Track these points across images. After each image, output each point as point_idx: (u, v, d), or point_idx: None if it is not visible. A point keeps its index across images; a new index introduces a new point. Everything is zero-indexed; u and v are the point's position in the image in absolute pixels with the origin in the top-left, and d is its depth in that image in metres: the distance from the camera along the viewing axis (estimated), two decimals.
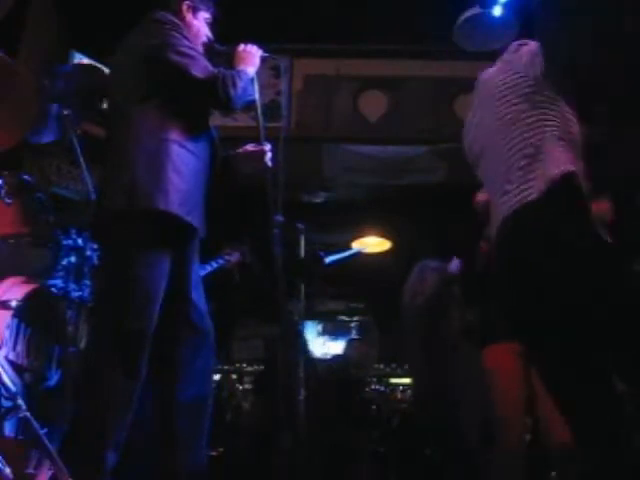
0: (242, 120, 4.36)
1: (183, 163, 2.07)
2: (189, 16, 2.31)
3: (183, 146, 2.09)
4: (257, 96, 2.34)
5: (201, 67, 2.12)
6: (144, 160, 2.03)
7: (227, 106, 2.19)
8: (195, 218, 2.09)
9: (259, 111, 2.37)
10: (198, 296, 2.21)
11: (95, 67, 2.81)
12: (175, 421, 2.13)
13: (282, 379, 2.60)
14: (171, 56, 2.09)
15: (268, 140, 2.39)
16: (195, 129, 2.17)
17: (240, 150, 2.44)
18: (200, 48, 2.29)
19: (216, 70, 2.15)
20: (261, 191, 2.31)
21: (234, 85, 2.12)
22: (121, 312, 1.97)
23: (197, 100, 2.19)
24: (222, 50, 2.36)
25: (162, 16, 2.21)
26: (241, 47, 2.31)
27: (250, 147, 2.42)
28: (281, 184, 2.30)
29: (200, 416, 2.17)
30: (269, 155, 2.37)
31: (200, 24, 2.34)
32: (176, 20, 2.22)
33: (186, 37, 2.19)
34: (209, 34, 2.37)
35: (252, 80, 2.29)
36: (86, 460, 1.86)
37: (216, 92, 2.11)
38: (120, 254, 2.03)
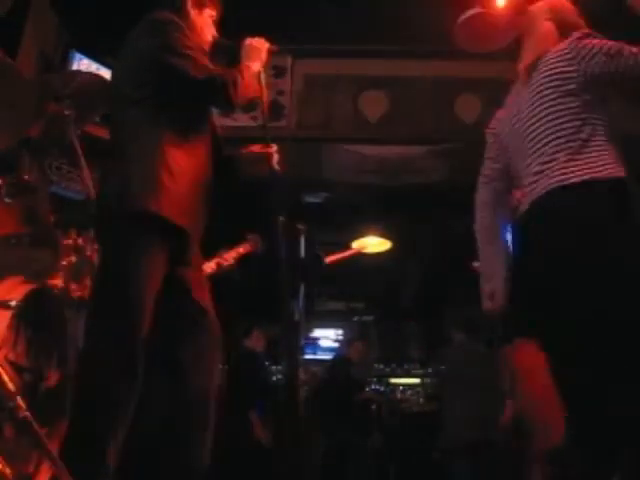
0: (242, 120, 4.37)
1: (177, 164, 2.03)
2: (194, 13, 2.26)
3: (179, 147, 2.06)
4: (264, 94, 2.24)
5: (200, 68, 2.08)
6: (137, 161, 2.01)
7: (228, 105, 2.16)
8: (187, 220, 2.04)
9: (264, 110, 2.26)
10: (202, 297, 2.18)
11: (98, 75, 2.82)
12: (178, 420, 2.12)
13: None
14: (169, 58, 2.06)
15: (273, 140, 2.28)
16: (193, 130, 2.13)
17: (245, 151, 2.37)
18: (205, 46, 2.25)
19: (215, 69, 2.11)
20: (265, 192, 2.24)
21: (235, 84, 2.07)
22: (114, 313, 1.94)
23: (196, 101, 2.15)
24: (228, 45, 2.29)
25: (164, 15, 2.17)
26: (247, 41, 2.24)
27: (255, 148, 2.35)
28: (287, 185, 2.23)
29: (204, 415, 2.16)
30: (276, 158, 2.29)
31: (204, 21, 2.28)
32: (178, 19, 2.17)
33: (188, 36, 2.14)
34: (214, 32, 2.30)
35: (258, 75, 2.20)
36: (87, 459, 1.84)
37: (215, 92, 2.08)
38: (112, 255, 2.00)
